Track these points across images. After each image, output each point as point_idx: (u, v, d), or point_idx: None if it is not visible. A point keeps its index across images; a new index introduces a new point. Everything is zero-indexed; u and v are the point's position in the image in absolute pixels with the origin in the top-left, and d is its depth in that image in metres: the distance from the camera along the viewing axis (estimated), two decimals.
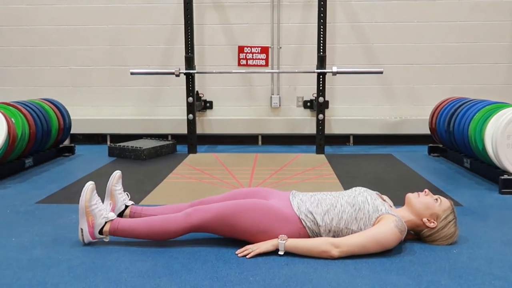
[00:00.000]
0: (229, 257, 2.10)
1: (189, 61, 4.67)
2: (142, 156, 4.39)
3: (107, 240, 2.23)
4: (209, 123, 5.30)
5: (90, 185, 2.22)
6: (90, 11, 5.21)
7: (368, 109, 5.25)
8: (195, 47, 4.90)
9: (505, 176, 3.16)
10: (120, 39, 5.24)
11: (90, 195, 2.20)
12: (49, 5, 5.22)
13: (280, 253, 2.09)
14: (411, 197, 2.27)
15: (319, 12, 4.57)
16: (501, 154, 3.17)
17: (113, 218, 2.24)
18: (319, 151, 4.70)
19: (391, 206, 2.33)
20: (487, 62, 5.11)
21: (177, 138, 5.07)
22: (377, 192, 2.36)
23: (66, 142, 5.02)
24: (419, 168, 3.98)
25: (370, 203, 2.16)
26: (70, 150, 4.69)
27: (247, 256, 2.09)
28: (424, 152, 4.69)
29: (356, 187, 2.36)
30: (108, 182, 2.51)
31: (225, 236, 2.23)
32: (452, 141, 4.02)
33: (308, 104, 5.23)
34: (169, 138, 5.24)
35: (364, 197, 2.20)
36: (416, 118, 5.11)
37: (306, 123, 5.22)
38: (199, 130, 5.12)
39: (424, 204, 2.22)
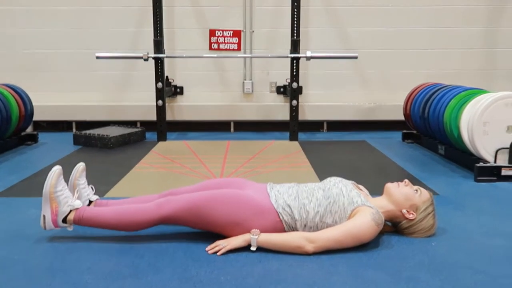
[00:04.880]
0: (199, 254, 1.98)
1: (158, 45, 4.48)
2: (109, 145, 4.21)
3: (70, 229, 2.10)
4: (179, 109, 5.14)
5: (56, 169, 2.10)
6: None
7: (342, 95, 5.17)
8: (165, 30, 4.72)
9: (481, 164, 3.12)
10: (85, 22, 5.00)
11: (56, 180, 2.08)
12: None
13: (253, 248, 1.98)
14: (391, 187, 2.18)
15: None
16: (477, 141, 3.12)
17: (79, 206, 2.11)
18: (293, 138, 4.60)
19: (367, 195, 2.25)
20: (462, 47, 5.08)
21: (147, 125, 4.89)
22: (353, 182, 2.27)
23: (29, 130, 4.79)
24: (394, 155, 3.93)
25: (345, 195, 2.07)
26: (33, 138, 4.47)
27: (218, 253, 1.97)
28: (398, 138, 4.64)
29: (331, 177, 2.26)
30: (71, 176, 2.35)
31: (198, 229, 2.12)
32: (426, 127, 3.97)
33: (282, 89, 5.12)
34: (138, 125, 5.06)
35: (339, 189, 2.10)
36: (391, 104, 5.05)
37: (279, 109, 5.10)
38: (169, 117, 4.96)
39: (404, 194, 2.13)
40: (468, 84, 4.17)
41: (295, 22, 4.45)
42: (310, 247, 1.95)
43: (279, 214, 2.05)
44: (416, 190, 2.16)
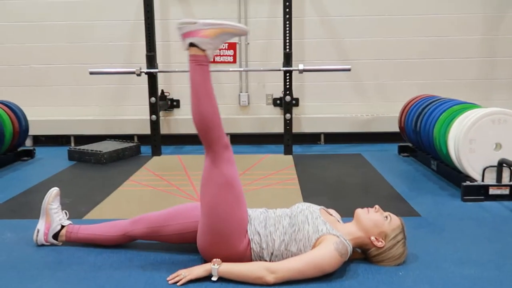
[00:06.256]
0: (160, 283, 1.96)
1: (151, 60, 4.49)
2: (103, 160, 4.22)
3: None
4: (175, 123, 5.14)
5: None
6: (48, 6, 4.98)
7: (339, 107, 5.10)
8: (160, 43, 4.74)
9: (467, 183, 3.03)
10: (80, 36, 5.03)
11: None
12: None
13: (214, 279, 1.95)
14: (360, 213, 2.14)
15: (285, 7, 4.39)
16: (463, 159, 3.04)
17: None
18: (287, 151, 4.56)
19: (338, 221, 2.20)
20: (458, 56, 4.97)
21: (144, 139, 4.91)
22: (323, 207, 2.23)
23: (29, 144, 4.85)
24: (386, 171, 3.85)
25: (310, 223, 2.03)
26: (29, 154, 4.50)
27: (178, 283, 1.95)
28: (394, 151, 4.55)
29: (299, 203, 2.23)
30: (44, 200, 2.37)
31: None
32: (419, 141, 3.90)
33: (278, 102, 5.07)
34: (135, 138, 5.08)
35: (304, 216, 2.06)
36: (387, 116, 4.96)
37: (275, 122, 5.06)
38: (165, 130, 4.97)
39: (373, 221, 2.08)
40: (465, 94, 4.08)
41: (287, 34, 4.41)
42: (270, 278, 1.91)
43: (251, 241, 2.03)
44: (386, 217, 2.11)
